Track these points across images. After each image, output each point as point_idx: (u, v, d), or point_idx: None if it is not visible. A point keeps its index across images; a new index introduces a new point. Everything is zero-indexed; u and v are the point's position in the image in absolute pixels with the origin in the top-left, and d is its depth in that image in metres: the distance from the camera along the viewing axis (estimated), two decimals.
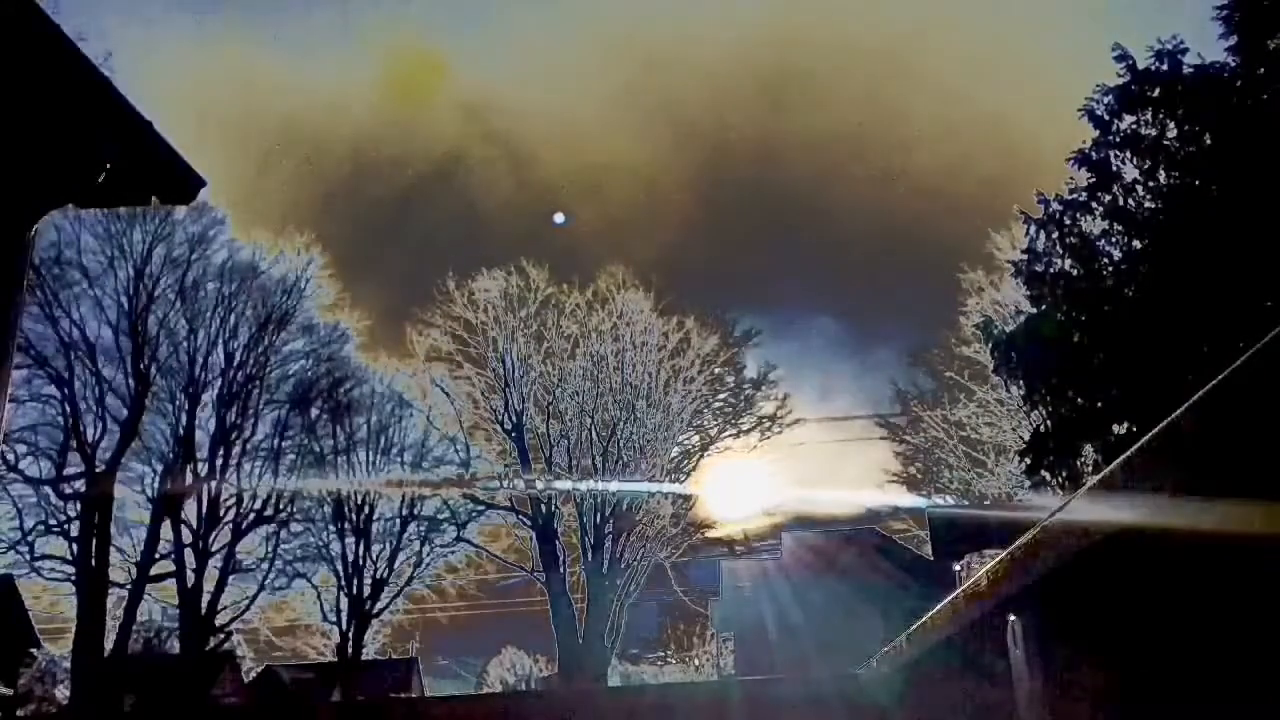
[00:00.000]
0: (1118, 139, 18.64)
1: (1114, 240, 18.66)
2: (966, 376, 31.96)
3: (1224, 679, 2.40)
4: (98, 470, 28.93)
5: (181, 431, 30.79)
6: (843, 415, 51.41)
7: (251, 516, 31.42)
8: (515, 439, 33.04)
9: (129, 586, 29.32)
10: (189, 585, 29.87)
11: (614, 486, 31.32)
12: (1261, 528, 2.04)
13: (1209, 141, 17.27)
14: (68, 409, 29.12)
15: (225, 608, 31.11)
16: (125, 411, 29.75)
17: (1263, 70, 16.65)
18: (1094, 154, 19.10)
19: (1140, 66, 18.57)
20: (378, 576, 33.07)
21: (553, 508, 32.19)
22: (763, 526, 34.63)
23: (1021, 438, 23.91)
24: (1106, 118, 18.83)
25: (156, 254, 31.05)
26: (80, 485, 29.06)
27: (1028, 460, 19.60)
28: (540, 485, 31.63)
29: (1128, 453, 2.39)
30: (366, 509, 33.18)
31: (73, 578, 28.48)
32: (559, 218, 39.31)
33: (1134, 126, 18.49)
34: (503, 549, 34.37)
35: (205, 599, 30.18)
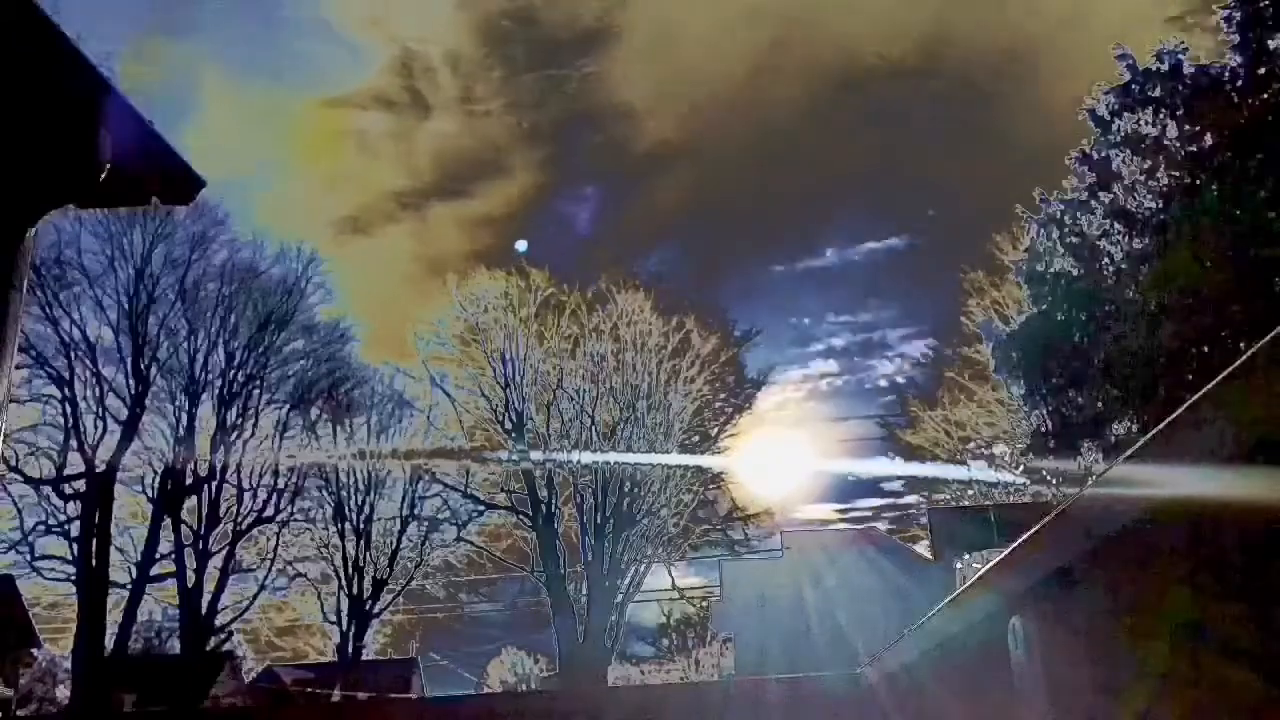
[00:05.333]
0: (1119, 138, 18.65)
1: (1114, 240, 18.68)
2: (967, 377, 31.98)
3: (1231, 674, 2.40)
4: (98, 470, 28.91)
5: (181, 431, 30.79)
6: (843, 416, 51.41)
7: (251, 516, 31.44)
8: (515, 439, 33.03)
9: (129, 586, 29.33)
10: (189, 585, 29.87)
11: (615, 458, 31.32)
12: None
13: (1209, 141, 17.28)
14: (68, 409, 29.14)
15: (225, 608, 31.17)
16: (125, 411, 29.76)
17: (1263, 70, 16.65)
18: (1095, 153, 19.11)
19: (1141, 66, 18.58)
20: (378, 576, 33.08)
21: (553, 508, 32.18)
22: (764, 524, 34.69)
23: (1019, 437, 23.91)
24: (1108, 117, 18.85)
25: (157, 254, 31.10)
26: (80, 485, 29.04)
27: (1028, 459, 19.60)
28: (538, 457, 31.64)
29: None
30: (366, 509, 33.22)
31: (73, 578, 28.47)
32: (521, 245, 38.91)
33: (1135, 126, 18.50)
34: (503, 549, 34.43)
35: (205, 599, 30.18)
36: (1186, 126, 17.74)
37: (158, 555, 29.94)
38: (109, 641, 28.36)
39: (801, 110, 46.00)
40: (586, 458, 31.64)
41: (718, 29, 42.21)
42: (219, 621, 31.03)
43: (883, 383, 48.46)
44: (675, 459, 32.53)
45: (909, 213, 45.73)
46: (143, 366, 30.24)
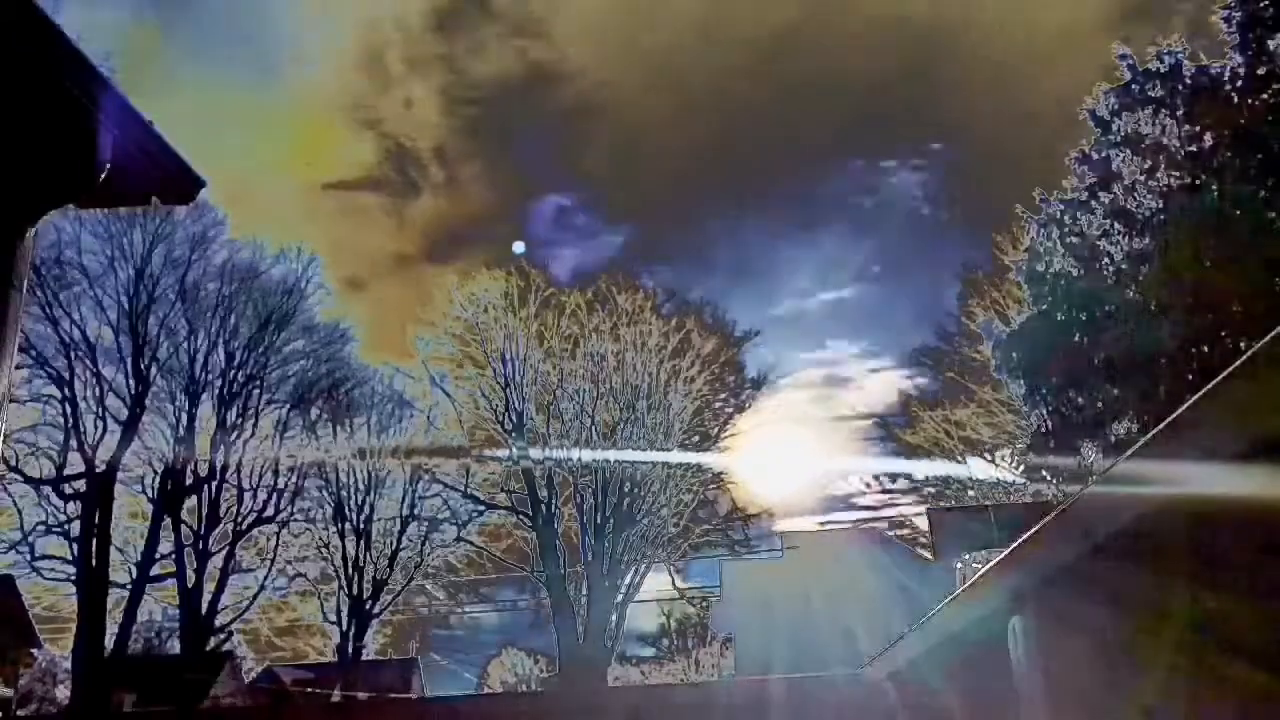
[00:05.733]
0: (1119, 138, 18.66)
1: (1114, 240, 18.67)
2: (967, 377, 31.99)
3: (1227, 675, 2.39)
4: (98, 470, 28.91)
5: (181, 431, 30.79)
6: (844, 416, 51.50)
7: (251, 516, 31.44)
8: (515, 439, 33.02)
9: (129, 586, 29.33)
10: (189, 585, 29.87)
11: (615, 455, 31.38)
12: None
13: (1209, 141, 17.29)
14: (68, 409, 29.12)
15: (225, 608, 31.15)
16: (125, 411, 29.75)
17: (1263, 70, 16.66)
18: (1095, 154, 19.11)
19: (1142, 66, 18.59)
20: (378, 577, 33.08)
21: (553, 508, 32.17)
22: (764, 524, 34.71)
23: (1019, 436, 23.90)
24: (1108, 117, 18.85)
25: (157, 254, 31.06)
26: (80, 485, 29.04)
27: (1028, 459, 19.59)
28: (538, 455, 31.72)
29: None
30: (367, 509, 33.21)
31: (73, 578, 28.48)
32: (519, 247, 39.24)
33: (1135, 126, 18.51)
34: (503, 549, 34.42)
35: (205, 599, 30.19)
36: (1186, 126, 17.74)
37: (158, 555, 29.94)
38: (109, 641, 28.35)
39: (757, 178, 49.96)
40: (587, 455, 31.67)
41: (681, 113, 47.08)
42: (219, 621, 31.02)
43: (846, 411, 53.24)
44: (676, 457, 32.56)
45: (857, 266, 48.58)
46: (143, 366, 30.24)
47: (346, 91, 40.60)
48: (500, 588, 37.00)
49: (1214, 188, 16.53)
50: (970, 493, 32.75)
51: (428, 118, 43.15)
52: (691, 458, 33.16)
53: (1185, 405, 2.26)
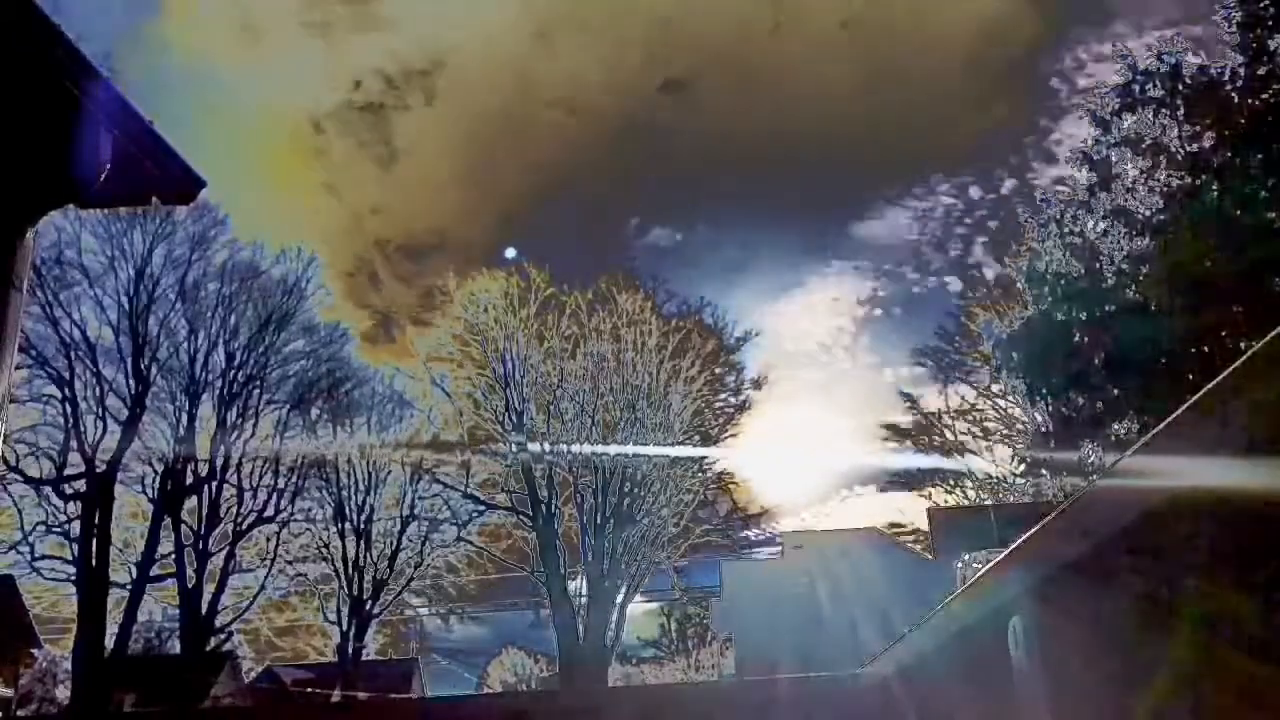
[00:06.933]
0: (1119, 138, 18.66)
1: (1114, 240, 18.68)
2: (969, 376, 32.01)
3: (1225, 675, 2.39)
4: (98, 470, 28.91)
5: (181, 431, 30.78)
6: (845, 416, 51.46)
7: (252, 516, 31.43)
8: (516, 439, 33.00)
9: (129, 586, 29.33)
10: (189, 585, 29.87)
11: (617, 450, 31.36)
12: None
13: (1209, 141, 17.28)
14: (68, 409, 29.10)
15: (225, 608, 31.14)
16: (125, 411, 29.74)
17: (1263, 70, 16.66)
18: (1095, 153, 19.11)
19: (1141, 66, 18.60)
20: (378, 576, 33.08)
21: (553, 508, 32.15)
22: (764, 524, 34.72)
23: (1019, 436, 23.89)
24: (1108, 117, 18.85)
25: (157, 254, 31.04)
26: (80, 485, 29.04)
27: (1029, 459, 19.60)
28: (536, 449, 31.72)
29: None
30: (367, 509, 33.21)
31: (73, 578, 28.47)
32: (510, 252, 39.27)
33: (1135, 126, 18.51)
34: (503, 549, 34.41)
35: (205, 599, 30.18)
36: (1186, 126, 17.73)
37: (158, 555, 29.93)
38: (109, 641, 28.33)
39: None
40: (588, 449, 31.64)
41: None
42: (219, 621, 31.01)
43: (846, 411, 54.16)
44: (676, 451, 32.55)
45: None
46: (143, 366, 30.22)
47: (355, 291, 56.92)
48: (500, 588, 37.03)
49: (1214, 188, 16.53)
50: (970, 492, 32.79)
51: (405, 302, 66.33)
52: (692, 452, 33.14)
53: (1185, 405, 2.26)
